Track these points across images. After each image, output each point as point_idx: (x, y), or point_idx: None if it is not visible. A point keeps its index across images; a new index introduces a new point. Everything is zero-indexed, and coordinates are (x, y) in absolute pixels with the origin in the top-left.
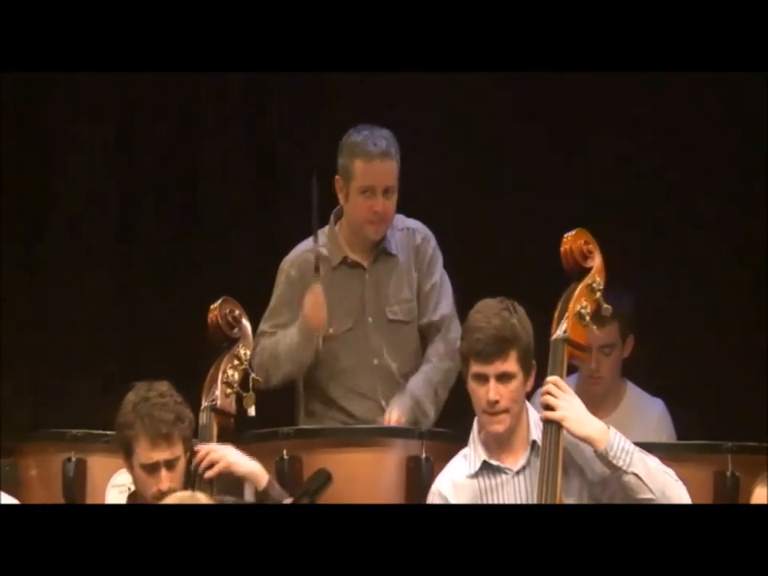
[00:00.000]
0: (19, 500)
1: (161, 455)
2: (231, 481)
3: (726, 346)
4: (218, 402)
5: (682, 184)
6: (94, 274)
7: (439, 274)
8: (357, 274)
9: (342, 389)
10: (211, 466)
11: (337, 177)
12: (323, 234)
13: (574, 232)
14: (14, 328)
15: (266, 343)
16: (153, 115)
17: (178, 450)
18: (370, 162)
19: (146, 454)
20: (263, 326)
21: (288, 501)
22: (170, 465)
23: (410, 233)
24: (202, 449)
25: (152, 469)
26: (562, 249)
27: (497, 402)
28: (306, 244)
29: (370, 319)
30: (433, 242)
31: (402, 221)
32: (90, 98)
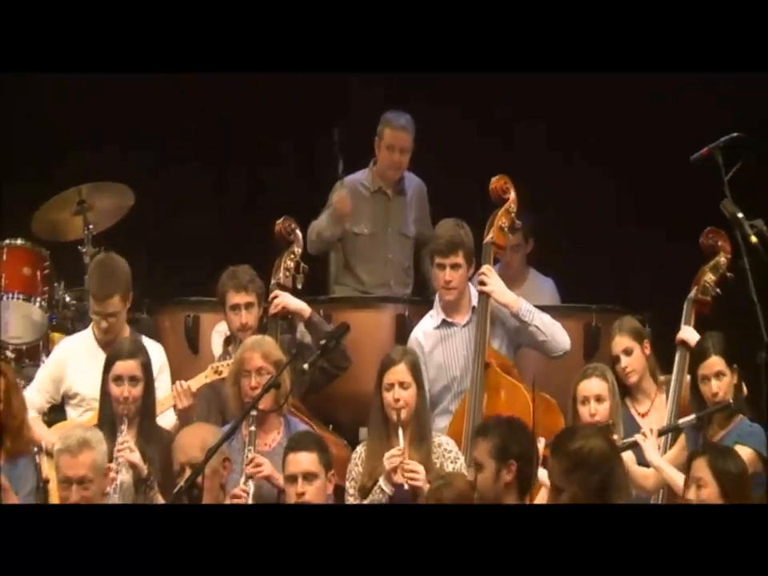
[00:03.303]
0: (160, 342)
1: (242, 299)
2: (290, 324)
3: (594, 249)
4: (281, 280)
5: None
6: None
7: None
8: (384, 199)
9: (366, 270)
10: (276, 306)
11: (376, 138)
12: (364, 172)
13: (497, 176)
14: (161, 234)
15: (313, 222)
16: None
17: (253, 298)
18: (394, 130)
19: (233, 298)
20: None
21: (328, 328)
22: (248, 306)
23: (418, 182)
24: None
25: (236, 308)
26: (489, 187)
27: (450, 281)
28: (354, 176)
29: (389, 230)
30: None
31: (411, 174)
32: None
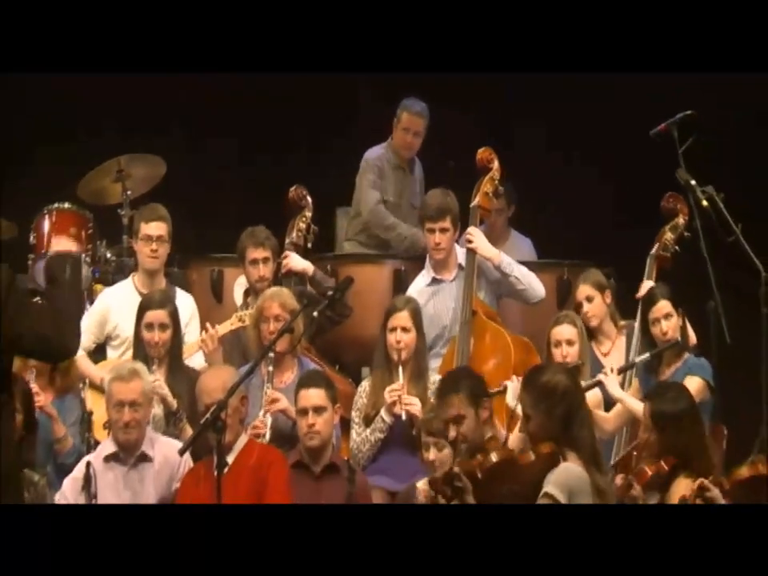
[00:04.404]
0: (190, 293)
1: (260, 254)
2: (301, 278)
3: (567, 212)
4: (294, 239)
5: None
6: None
7: None
8: (401, 174)
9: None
10: (284, 267)
11: (395, 119)
12: (383, 147)
13: (483, 148)
14: (189, 199)
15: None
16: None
17: (269, 253)
18: (411, 115)
19: (251, 254)
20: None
21: (329, 283)
22: (265, 261)
23: (419, 162)
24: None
25: (255, 263)
26: (476, 158)
27: (439, 243)
28: (377, 150)
29: (403, 201)
30: None
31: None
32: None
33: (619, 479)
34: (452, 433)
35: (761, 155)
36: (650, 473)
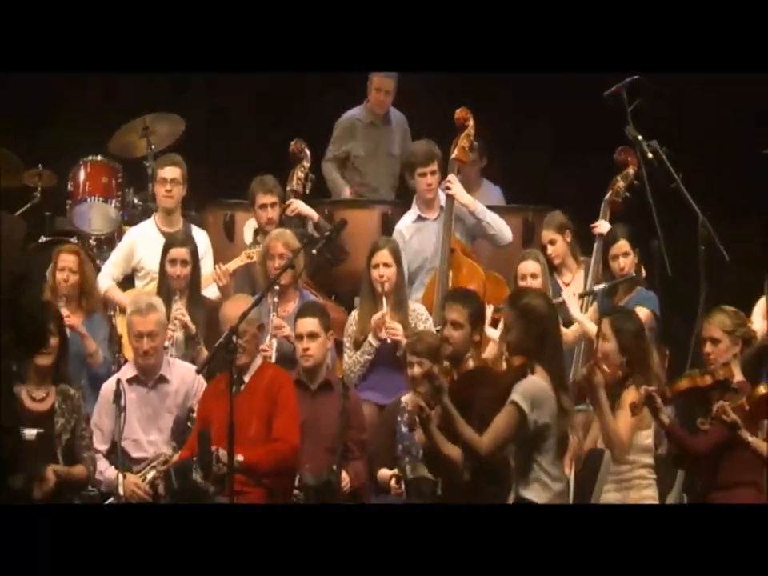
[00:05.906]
0: (207, 232)
1: (268, 199)
2: (302, 221)
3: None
4: (294, 187)
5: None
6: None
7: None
8: (375, 129)
9: (362, 182)
10: (292, 210)
11: (368, 82)
12: (359, 109)
13: (460, 108)
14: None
15: (331, 174)
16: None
17: (276, 199)
18: (380, 78)
19: (261, 199)
20: (332, 151)
21: (329, 228)
22: (273, 205)
23: (401, 115)
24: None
25: (264, 207)
26: (454, 116)
27: (431, 184)
28: (353, 110)
29: (379, 151)
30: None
31: (395, 109)
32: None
33: (584, 369)
34: (446, 332)
35: (761, 155)
36: (607, 371)
